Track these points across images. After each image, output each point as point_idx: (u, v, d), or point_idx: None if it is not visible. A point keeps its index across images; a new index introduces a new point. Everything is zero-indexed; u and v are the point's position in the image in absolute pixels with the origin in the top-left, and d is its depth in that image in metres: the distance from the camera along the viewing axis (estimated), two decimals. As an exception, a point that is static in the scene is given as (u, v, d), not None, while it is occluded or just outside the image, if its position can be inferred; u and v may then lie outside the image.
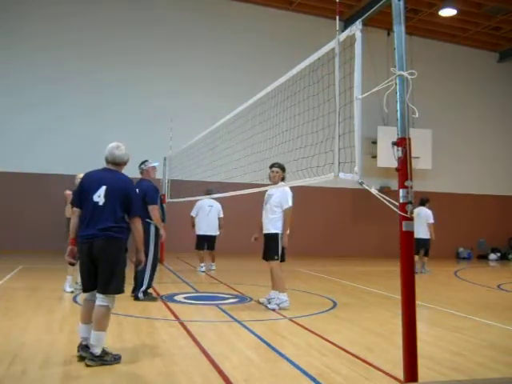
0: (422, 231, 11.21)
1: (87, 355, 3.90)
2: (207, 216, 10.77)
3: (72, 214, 4.28)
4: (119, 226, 4.07)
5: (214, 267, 11.07)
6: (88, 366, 3.84)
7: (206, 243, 10.87)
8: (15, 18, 14.18)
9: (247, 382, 3.61)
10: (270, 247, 6.57)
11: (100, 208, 4.05)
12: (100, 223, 4.02)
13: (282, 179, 6.62)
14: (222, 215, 10.91)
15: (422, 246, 11.37)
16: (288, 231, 6.59)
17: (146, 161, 7.28)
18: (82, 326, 4.10)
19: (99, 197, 4.07)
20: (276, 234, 6.54)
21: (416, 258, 11.67)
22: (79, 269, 4.21)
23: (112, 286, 4.00)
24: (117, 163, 4.28)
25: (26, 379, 3.53)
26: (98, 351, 3.89)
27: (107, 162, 4.29)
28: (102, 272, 4.00)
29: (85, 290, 4.16)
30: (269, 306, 6.53)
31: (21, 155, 13.81)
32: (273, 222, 6.57)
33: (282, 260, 6.60)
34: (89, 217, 4.07)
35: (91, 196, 4.08)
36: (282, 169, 6.65)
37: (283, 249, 6.56)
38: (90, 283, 4.08)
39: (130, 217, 4.14)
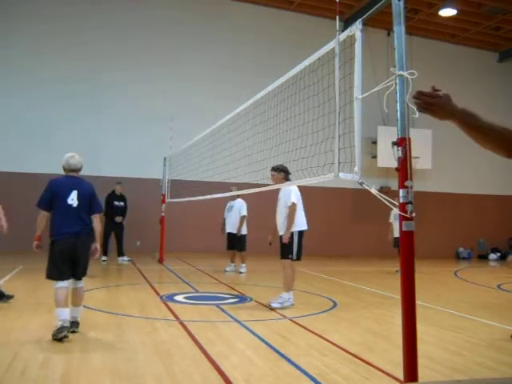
0: None
1: (71, 328, 4.77)
2: (228, 214, 10.97)
3: (43, 216, 4.92)
4: (90, 222, 5.00)
5: (242, 269, 10.65)
6: (74, 332, 4.79)
7: (232, 242, 10.88)
8: (14, 20, 14.16)
9: (247, 382, 3.62)
10: (284, 247, 6.65)
11: (75, 209, 4.88)
12: (81, 221, 4.91)
13: (287, 179, 6.63)
14: (243, 213, 10.72)
15: None
16: (293, 229, 6.63)
17: None
18: (65, 309, 4.76)
19: (73, 200, 4.88)
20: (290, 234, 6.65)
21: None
22: (57, 261, 4.82)
23: (87, 271, 5.06)
24: (75, 170, 5.07)
25: (26, 379, 3.52)
26: (79, 320, 5.00)
27: (67, 170, 5.06)
28: (83, 261, 4.93)
29: (64, 279, 4.81)
30: (272, 304, 6.53)
31: (21, 155, 13.81)
32: (285, 223, 6.68)
33: (297, 259, 6.67)
34: (65, 217, 4.85)
35: (65, 199, 4.86)
36: (277, 170, 6.70)
37: (288, 246, 6.61)
38: (69, 272, 4.86)
39: (92, 214, 5.02)
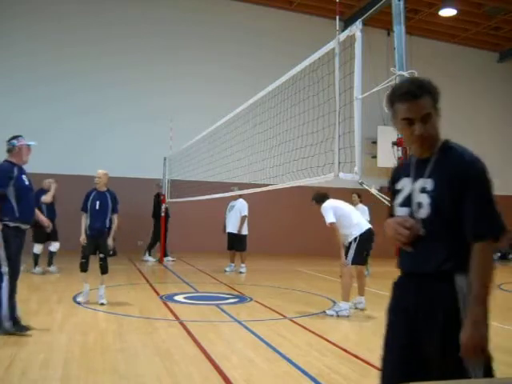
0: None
1: None
2: (229, 214, 10.87)
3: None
4: None
5: (242, 269, 10.52)
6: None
7: (232, 242, 10.79)
8: (14, 18, 14.16)
9: (247, 382, 3.62)
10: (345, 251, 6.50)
11: None
12: None
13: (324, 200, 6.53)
14: (244, 213, 10.62)
15: None
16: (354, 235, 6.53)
17: (19, 136, 5.67)
18: None
19: None
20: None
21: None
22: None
23: None
24: None
25: (26, 380, 3.52)
26: None
27: None
28: None
29: None
30: (327, 311, 6.29)
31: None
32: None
33: (358, 263, 6.59)
34: None
35: None
36: (314, 200, 6.60)
37: (356, 251, 6.46)
38: None
39: None
